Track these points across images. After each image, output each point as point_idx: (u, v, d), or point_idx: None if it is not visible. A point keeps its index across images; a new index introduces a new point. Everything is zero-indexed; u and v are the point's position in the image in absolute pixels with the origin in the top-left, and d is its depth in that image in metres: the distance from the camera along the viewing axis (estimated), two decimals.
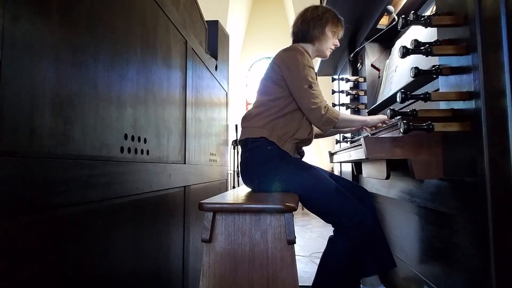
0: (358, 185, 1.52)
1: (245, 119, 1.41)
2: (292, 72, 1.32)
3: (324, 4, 1.83)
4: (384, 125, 1.34)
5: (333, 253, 1.25)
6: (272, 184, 1.29)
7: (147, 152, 1.18)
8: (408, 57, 0.94)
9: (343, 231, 1.22)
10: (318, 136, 1.66)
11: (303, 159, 1.47)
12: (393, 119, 1.02)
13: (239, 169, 1.43)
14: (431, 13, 0.93)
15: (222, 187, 2.61)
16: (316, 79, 1.40)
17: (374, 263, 1.39)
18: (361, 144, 1.06)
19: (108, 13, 0.94)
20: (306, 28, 1.45)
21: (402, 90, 0.89)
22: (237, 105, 7.05)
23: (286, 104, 1.34)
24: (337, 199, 1.22)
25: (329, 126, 1.33)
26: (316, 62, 2.70)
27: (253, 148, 1.32)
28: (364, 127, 1.44)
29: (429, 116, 0.86)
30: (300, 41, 1.48)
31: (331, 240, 1.27)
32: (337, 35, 1.49)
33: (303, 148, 1.50)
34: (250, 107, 2.16)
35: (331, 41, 1.48)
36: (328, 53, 1.51)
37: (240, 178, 1.47)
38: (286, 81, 1.33)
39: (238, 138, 1.45)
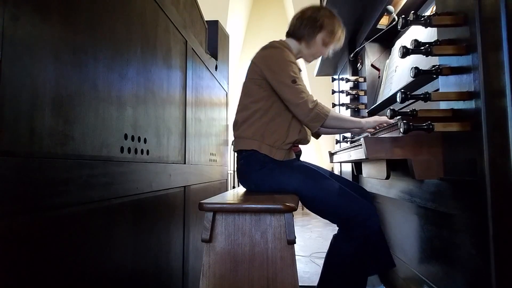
0: (358, 185, 1.51)
1: (234, 127, 1.39)
2: (273, 69, 1.28)
3: (324, 4, 1.82)
4: (380, 128, 1.32)
5: (337, 253, 1.23)
6: (269, 188, 1.29)
7: (147, 152, 1.18)
8: (408, 57, 0.94)
9: (347, 230, 1.21)
10: (317, 134, 1.65)
11: (302, 158, 1.46)
12: (393, 119, 1.02)
13: (237, 175, 1.42)
14: (431, 13, 0.93)
15: (222, 187, 2.61)
16: (300, 73, 1.34)
17: (374, 263, 1.38)
18: (361, 144, 1.06)
19: (108, 13, 0.94)
20: (299, 24, 1.39)
21: (402, 90, 0.89)
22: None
23: (269, 106, 1.31)
24: (338, 198, 1.20)
25: (318, 123, 1.26)
26: (316, 62, 2.69)
27: (247, 156, 1.31)
28: (358, 128, 1.38)
29: (429, 116, 0.86)
30: (290, 36, 1.44)
31: (335, 239, 1.26)
32: (327, 46, 1.42)
33: (301, 147, 1.47)
34: None
35: (318, 49, 1.41)
36: (310, 59, 1.45)
37: None
38: (269, 80, 1.28)
39: (233, 147, 1.43)
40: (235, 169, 1.42)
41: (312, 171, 1.30)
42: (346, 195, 1.21)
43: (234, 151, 1.40)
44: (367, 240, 1.19)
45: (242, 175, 1.37)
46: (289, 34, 1.45)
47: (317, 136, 1.66)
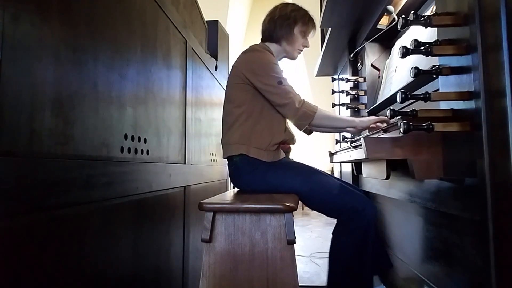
0: (355, 187, 1.51)
1: (222, 134, 1.40)
2: (258, 72, 1.28)
3: (324, 5, 1.83)
4: (375, 130, 1.32)
5: (338, 248, 1.24)
6: (264, 190, 1.30)
7: (147, 152, 1.18)
8: (408, 57, 0.94)
9: (343, 223, 1.23)
10: (309, 130, 1.65)
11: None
12: (393, 119, 1.02)
13: (230, 180, 1.42)
14: (431, 13, 0.93)
15: (222, 187, 2.61)
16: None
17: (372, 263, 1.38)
18: (361, 144, 1.06)
19: (108, 13, 0.94)
20: (273, 27, 1.40)
21: (402, 90, 0.89)
22: None
23: (252, 109, 1.31)
24: (331, 191, 1.23)
25: (306, 121, 1.28)
26: (316, 62, 2.69)
27: (237, 161, 1.32)
28: (352, 128, 1.37)
29: (429, 116, 0.86)
30: (267, 40, 1.44)
31: (334, 235, 1.27)
32: (306, 36, 1.44)
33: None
34: None
35: (300, 42, 1.43)
36: (296, 54, 1.46)
37: None
38: (254, 83, 1.29)
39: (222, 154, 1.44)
40: (228, 175, 1.44)
41: (303, 167, 1.32)
42: (339, 188, 1.24)
43: (224, 157, 1.40)
44: (365, 233, 1.20)
45: (235, 180, 1.38)
46: (265, 39, 1.45)
47: (309, 132, 1.67)
